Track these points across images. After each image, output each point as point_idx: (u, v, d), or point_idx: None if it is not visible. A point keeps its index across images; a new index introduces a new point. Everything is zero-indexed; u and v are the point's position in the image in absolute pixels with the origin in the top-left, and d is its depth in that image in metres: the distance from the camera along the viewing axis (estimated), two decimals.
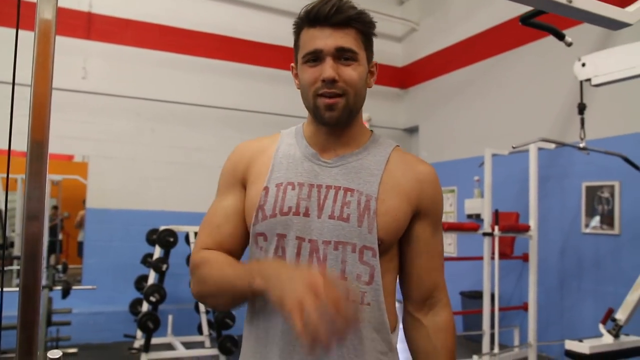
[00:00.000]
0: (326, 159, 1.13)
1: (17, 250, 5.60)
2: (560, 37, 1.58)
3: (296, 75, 1.17)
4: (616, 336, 2.96)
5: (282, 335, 1.05)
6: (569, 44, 1.55)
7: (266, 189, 1.12)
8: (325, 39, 1.07)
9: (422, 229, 1.14)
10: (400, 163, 1.15)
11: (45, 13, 0.75)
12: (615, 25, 1.25)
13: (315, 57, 1.08)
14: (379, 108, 6.73)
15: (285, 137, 1.21)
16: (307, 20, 1.10)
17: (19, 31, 0.83)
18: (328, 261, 1.05)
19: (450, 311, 1.19)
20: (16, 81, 0.85)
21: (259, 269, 0.99)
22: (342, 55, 1.07)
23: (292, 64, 1.19)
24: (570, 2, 1.13)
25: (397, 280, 1.18)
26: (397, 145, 1.21)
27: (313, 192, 1.10)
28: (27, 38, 0.80)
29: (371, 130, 1.22)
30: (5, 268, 5.49)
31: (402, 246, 1.16)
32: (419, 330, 1.17)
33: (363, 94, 1.13)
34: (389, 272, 1.12)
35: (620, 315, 2.98)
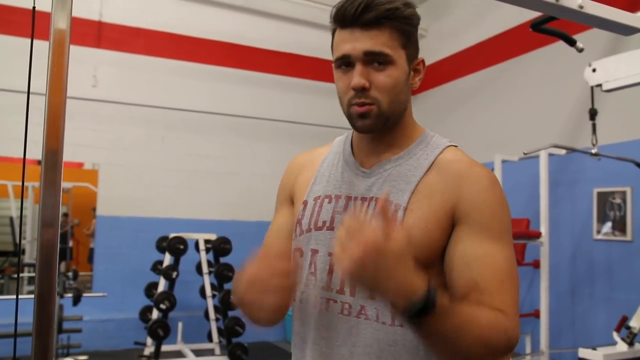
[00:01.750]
0: (365, 168, 1.05)
1: (28, 258, 5.63)
2: (572, 42, 1.58)
3: None
4: (630, 344, 2.93)
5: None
6: (580, 50, 1.54)
7: (305, 202, 1.09)
8: (353, 42, 0.96)
9: (459, 237, 0.95)
10: (446, 166, 1.00)
11: (60, 23, 0.76)
12: (626, 30, 1.25)
13: (346, 63, 0.99)
14: None
15: (335, 146, 1.16)
16: (336, 21, 1.00)
17: (33, 41, 0.84)
18: None
19: (506, 320, 0.89)
20: (26, 90, 0.85)
21: None
22: (374, 60, 0.96)
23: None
24: (582, 8, 1.13)
25: None
26: (451, 145, 1.06)
27: (349, 205, 1.03)
28: (40, 48, 0.81)
29: (424, 130, 1.10)
30: (16, 275, 5.52)
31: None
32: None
33: (402, 99, 1.01)
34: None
35: (635, 323, 2.95)
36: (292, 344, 1.11)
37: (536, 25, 1.49)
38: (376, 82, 0.97)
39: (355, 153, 1.09)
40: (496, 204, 0.97)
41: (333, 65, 1.03)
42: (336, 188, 1.07)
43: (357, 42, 0.96)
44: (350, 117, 1.01)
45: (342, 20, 0.98)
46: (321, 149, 1.19)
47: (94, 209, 5.54)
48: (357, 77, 0.96)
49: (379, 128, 1.01)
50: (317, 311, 1.02)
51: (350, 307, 0.98)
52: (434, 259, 0.96)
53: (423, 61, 1.07)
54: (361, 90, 0.97)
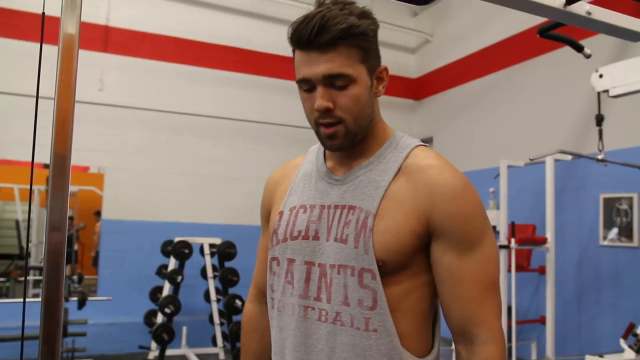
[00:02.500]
0: (338, 176, 1.07)
1: (33, 261, 5.65)
2: (579, 49, 1.57)
3: None
4: (638, 352, 2.91)
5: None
6: (588, 56, 1.54)
7: (281, 213, 1.11)
8: (312, 66, 0.96)
9: (442, 252, 0.98)
10: (415, 171, 1.01)
11: (69, 27, 0.76)
12: (634, 36, 1.24)
13: (308, 85, 0.99)
14: (393, 119, 6.63)
15: (310, 155, 1.19)
16: (293, 43, 0.99)
17: (42, 46, 0.84)
18: (333, 286, 1.00)
19: (491, 351, 0.96)
20: (33, 94, 0.86)
21: None
22: (334, 82, 0.97)
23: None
24: (590, 14, 1.12)
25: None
26: (420, 145, 1.07)
27: (323, 214, 1.04)
28: (47, 52, 0.81)
29: (393, 131, 1.11)
30: (21, 278, 5.54)
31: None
32: None
33: (367, 112, 1.02)
34: (414, 291, 1.00)
35: None
36: (272, 350, 1.12)
37: (543, 31, 1.49)
38: (339, 103, 0.98)
39: (328, 161, 1.11)
40: (471, 210, 0.98)
41: (297, 84, 1.03)
42: (310, 198, 1.08)
43: (315, 65, 0.96)
44: (319, 136, 1.03)
45: (298, 42, 0.97)
46: (296, 160, 1.22)
47: (96, 213, 5.56)
48: (319, 100, 0.97)
49: (348, 145, 1.03)
50: (295, 318, 1.04)
51: (327, 313, 1.00)
52: (407, 262, 0.99)
53: (386, 69, 1.06)
54: (325, 112, 0.98)
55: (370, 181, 1.02)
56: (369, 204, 0.99)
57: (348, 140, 1.01)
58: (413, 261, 0.99)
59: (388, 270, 0.97)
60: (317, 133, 1.03)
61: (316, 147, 1.18)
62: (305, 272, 1.04)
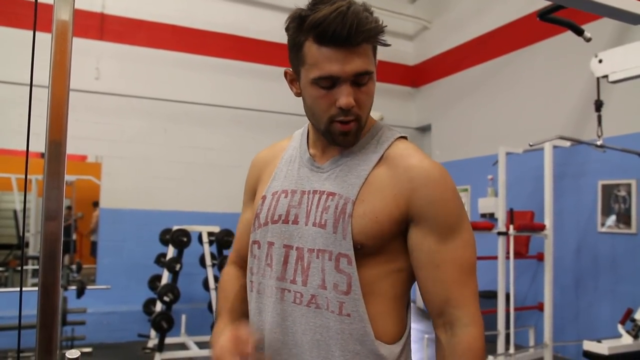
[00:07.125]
0: (320, 164, 1.10)
1: (32, 250, 5.65)
2: (579, 32, 1.56)
3: (292, 82, 1.11)
4: (636, 337, 2.93)
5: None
6: (588, 40, 1.53)
7: (264, 197, 1.13)
8: (341, 64, 0.96)
9: (421, 237, 1.00)
10: (396, 159, 1.03)
11: (62, 14, 0.75)
12: (635, 19, 1.23)
13: (330, 82, 0.99)
14: (391, 106, 6.71)
15: (294, 140, 1.20)
16: (317, 37, 0.97)
17: (35, 33, 0.83)
18: (310, 269, 1.02)
19: (472, 332, 0.99)
20: (28, 82, 0.85)
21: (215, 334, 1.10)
22: (360, 79, 0.99)
23: (288, 71, 1.10)
24: None
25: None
26: (401, 137, 1.09)
27: (303, 199, 1.07)
28: (42, 40, 0.80)
29: (375, 122, 1.12)
30: (19, 268, 5.54)
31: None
32: (439, 350, 1.02)
33: (370, 107, 1.06)
34: (389, 276, 1.03)
35: None
36: None
37: (543, 15, 1.48)
38: (359, 100, 1.00)
39: (311, 147, 1.14)
40: (450, 197, 1.01)
41: (308, 79, 1.01)
42: (292, 183, 1.11)
43: (347, 63, 0.97)
44: (329, 132, 1.04)
45: (332, 39, 0.95)
46: (282, 143, 1.23)
47: (94, 203, 5.55)
48: (347, 97, 0.98)
49: (356, 141, 1.06)
50: (273, 300, 1.07)
51: (302, 296, 1.03)
52: (384, 246, 1.01)
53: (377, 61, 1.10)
54: (348, 109, 0.99)
55: (351, 169, 1.05)
56: (348, 191, 1.02)
57: (358, 136, 1.05)
58: (389, 247, 1.02)
59: (365, 253, 1.00)
60: (328, 130, 1.03)
61: (300, 132, 1.21)
62: (283, 255, 1.06)
